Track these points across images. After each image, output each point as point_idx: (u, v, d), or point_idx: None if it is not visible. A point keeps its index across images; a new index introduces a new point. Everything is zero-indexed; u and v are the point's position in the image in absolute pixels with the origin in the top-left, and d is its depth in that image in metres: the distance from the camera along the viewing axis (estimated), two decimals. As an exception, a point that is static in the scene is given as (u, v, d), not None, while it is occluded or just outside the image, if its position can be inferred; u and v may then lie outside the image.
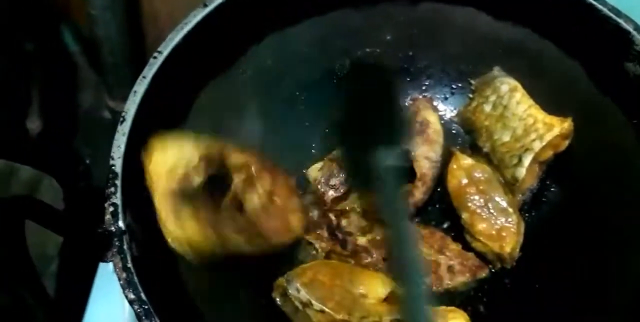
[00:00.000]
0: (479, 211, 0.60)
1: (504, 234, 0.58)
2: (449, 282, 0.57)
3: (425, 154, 0.64)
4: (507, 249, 0.58)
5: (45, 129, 0.87)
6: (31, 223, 0.74)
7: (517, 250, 0.59)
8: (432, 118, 0.66)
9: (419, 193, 0.63)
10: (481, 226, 0.59)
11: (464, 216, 0.60)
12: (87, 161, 0.91)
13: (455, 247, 0.59)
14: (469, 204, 0.60)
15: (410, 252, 0.43)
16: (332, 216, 0.61)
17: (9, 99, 0.84)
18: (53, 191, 0.78)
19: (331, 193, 0.63)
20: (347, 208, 0.62)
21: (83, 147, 0.92)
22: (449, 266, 0.57)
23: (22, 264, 0.67)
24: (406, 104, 0.71)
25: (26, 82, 0.87)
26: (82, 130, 0.93)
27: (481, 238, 0.59)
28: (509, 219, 0.59)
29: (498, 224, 0.59)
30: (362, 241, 0.59)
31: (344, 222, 0.60)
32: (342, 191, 0.63)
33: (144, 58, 0.83)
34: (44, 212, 0.73)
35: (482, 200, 0.60)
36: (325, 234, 0.60)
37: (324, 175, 0.64)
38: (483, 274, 0.58)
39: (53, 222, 0.73)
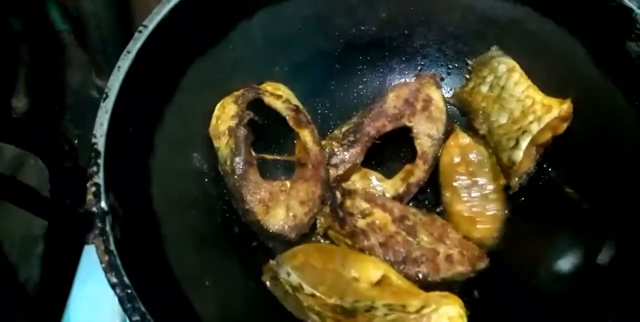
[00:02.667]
0: (460, 191, 0.59)
1: (478, 219, 0.58)
2: (447, 272, 0.55)
3: (427, 132, 0.63)
4: (476, 235, 0.57)
5: (32, 107, 0.85)
6: (16, 204, 0.72)
7: (491, 237, 0.58)
8: (436, 95, 0.65)
9: (420, 172, 0.62)
10: (458, 207, 0.58)
11: (447, 194, 0.59)
12: (75, 141, 0.89)
13: (455, 235, 0.58)
14: (454, 184, 0.59)
15: None
16: (338, 194, 0.60)
17: (-6, 77, 0.82)
18: (38, 171, 0.76)
19: (332, 172, 0.62)
20: (353, 189, 0.61)
21: (70, 126, 0.90)
22: (448, 255, 0.56)
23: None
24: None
25: (13, 61, 0.85)
26: (69, 109, 0.91)
27: (454, 218, 0.58)
28: (488, 206, 0.58)
29: (475, 209, 0.58)
30: (361, 223, 0.57)
31: (347, 202, 0.59)
32: (342, 170, 0.62)
33: (131, 34, 0.81)
34: (27, 196, 0.71)
35: (468, 181, 0.59)
36: (327, 210, 0.59)
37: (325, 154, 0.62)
38: (482, 264, 0.56)
39: (36, 206, 0.71)
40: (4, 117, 0.83)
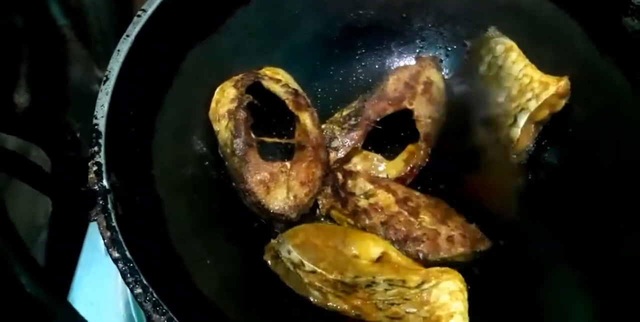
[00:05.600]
0: None
1: None
2: (447, 252, 0.55)
3: (428, 114, 0.63)
4: None
5: (34, 103, 0.86)
6: (20, 192, 0.73)
7: None
8: (436, 77, 0.65)
9: (423, 153, 0.62)
10: None
11: None
12: (78, 134, 0.89)
13: (458, 218, 0.58)
14: None
15: None
16: (339, 175, 0.60)
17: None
18: (41, 161, 0.77)
19: (333, 155, 0.62)
20: (355, 170, 0.61)
21: (73, 120, 0.90)
22: (449, 235, 0.55)
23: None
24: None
25: (14, 56, 0.85)
26: (71, 103, 0.91)
27: None
28: None
29: None
30: (363, 203, 0.57)
31: (349, 183, 0.59)
32: (343, 153, 0.62)
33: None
34: (34, 172, 0.72)
35: None
36: (329, 190, 0.59)
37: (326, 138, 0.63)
38: (482, 247, 0.56)
39: (42, 182, 0.72)
40: (6, 111, 0.84)
